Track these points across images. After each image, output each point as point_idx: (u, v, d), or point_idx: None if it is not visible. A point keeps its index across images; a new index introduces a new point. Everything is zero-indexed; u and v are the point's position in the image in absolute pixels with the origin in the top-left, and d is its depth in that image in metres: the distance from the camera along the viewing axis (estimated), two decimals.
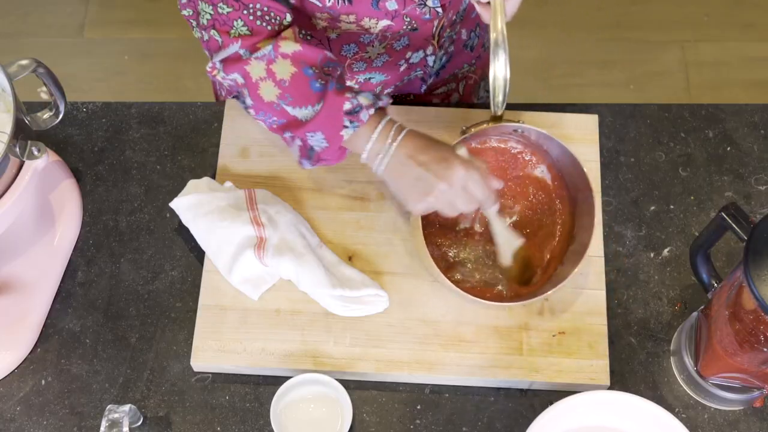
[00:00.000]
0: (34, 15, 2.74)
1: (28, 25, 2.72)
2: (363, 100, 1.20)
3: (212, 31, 1.20)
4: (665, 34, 2.69)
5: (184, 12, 1.21)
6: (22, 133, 1.21)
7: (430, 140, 1.21)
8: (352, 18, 1.29)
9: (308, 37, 1.34)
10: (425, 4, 1.31)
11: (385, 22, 1.31)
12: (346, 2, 1.26)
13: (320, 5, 1.26)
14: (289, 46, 1.19)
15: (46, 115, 1.30)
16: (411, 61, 1.41)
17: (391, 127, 1.21)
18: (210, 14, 1.19)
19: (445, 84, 1.55)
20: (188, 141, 1.46)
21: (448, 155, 1.18)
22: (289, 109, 1.21)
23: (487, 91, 1.67)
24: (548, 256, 1.32)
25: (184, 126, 1.47)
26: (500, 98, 1.22)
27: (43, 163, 1.24)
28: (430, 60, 1.43)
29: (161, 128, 1.47)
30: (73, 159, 1.44)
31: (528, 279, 1.32)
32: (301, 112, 1.21)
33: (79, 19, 2.73)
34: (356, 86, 1.21)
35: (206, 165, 1.43)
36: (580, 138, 1.42)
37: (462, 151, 1.20)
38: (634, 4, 2.74)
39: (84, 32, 2.71)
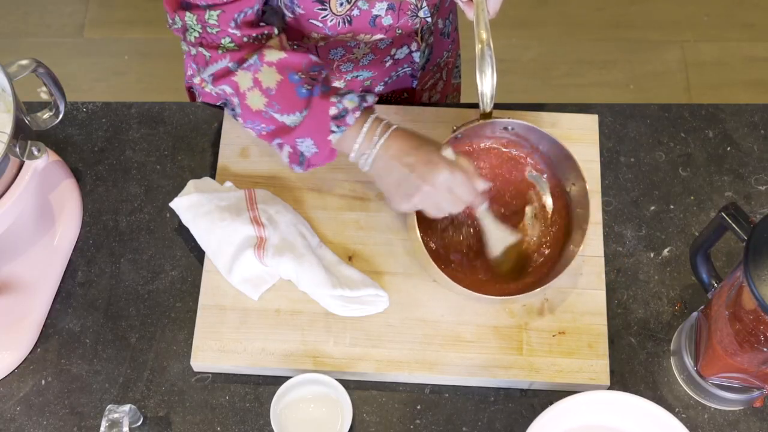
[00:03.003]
0: (34, 15, 2.74)
1: (28, 25, 2.72)
2: (348, 103, 1.20)
3: (200, 48, 1.21)
4: (665, 34, 2.70)
5: (175, 26, 1.22)
6: (22, 133, 1.21)
7: (416, 140, 1.21)
8: (348, 35, 1.31)
9: (295, 46, 1.35)
10: (417, 15, 1.33)
11: (378, 36, 1.34)
12: (347, 24, 1.28)
13: (321, 26, 1.28)
14: (273, 54, 1.20)
15: (46, 115, 1.30)
16: (396, 57, 1.43)
17: (377, 127, 1.21)
18: (198, 33, 1.20)
19: (432, 76, 1.57)
20: (188, 141, 1.46)
21: (434, 157, 1.19)
22: (277, 116, 1.21)
23: (460, 75, 1.71)
24: (546, 252, 1.32)
25: (184, 126, 1.47)
26: (488, 93, 1.23)
27: (43, 163, 1.24)
28: (416, 56, 1.44)
29: (161, 128, 1.47)
30: (73, 159, 1.44)
31: (518, 275, 1.32)
32: (289, 119, 1.21)
33: (79, 19, 2.73)
34: (342, 87, 1.22)
35: (206, 165, 1.43)
36: (580, 138, 1.42)
37: (448, 153, 1.20)
38: (634, 4, 2.74)
39: (84, 32, 2.71)
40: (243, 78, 1.20)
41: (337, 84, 1.45)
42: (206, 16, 1.18)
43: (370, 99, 1.23)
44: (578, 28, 2.71)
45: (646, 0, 2.74)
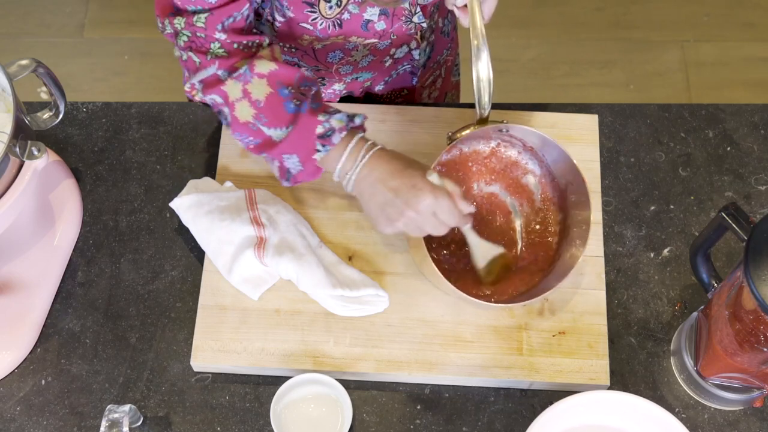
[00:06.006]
0: (34, 15, 2.74)
1: (28, 25, 2.72)
2: (335, 123, 1.20)
3: (189, 53, 1.21)
4: (665, 34, 2.70)
5: (166, 31, 1.21)
6: (22, 133, 1.21)
7: (401, 163, 1.20)
8: (340, 38, 1.31)
9: (293, 50, 1.35)
10: (411, 21, 1.33)
11: (372, 40, 1.34)
12: (336, 27, 1.28)
13: (312, 29, 1.28)
14: (264, 65, 1.19)
15: (46, 115, 1.30)
16: (396, 56, 1.43)
17: (361, 147, 1.20)
18: (188, 36, 1.19)
19: (431, 73, 1.57)
20: (188, 141, 1.46)
21: (418, 182, 1.18)
22: (264, 129, 1.21)
23: (459, 73, 1.71)
24: (543, 253, 1.32)
25: (184, 126, 1.47)
26: (485, 99, 1.21)
27: (43, 163, 1.24)
28: (416, 53, 1.44)
29: (161, 128, 1.47)
30: (73, 159, 1.44)
31: (499, 281, 1.31)
32: (275, 133, 1.21)
33: (79, 19, 2.73)
34: (332, 106, 1.22)
35: (206, 165, 1.43)
36: (580, 138, 1.42)
37: (433, 177, 1.19)
38: (634, 4, 2.74)
39: (84, 32, 2.71)
40: (232, 88, 1.20)
41: (337, 86, 1.44)
42: (194, 19, 1.17)
43: (358, 120, 1.22)
44: (578, 28, 2.71)
45: (646, 0, 2.74)
